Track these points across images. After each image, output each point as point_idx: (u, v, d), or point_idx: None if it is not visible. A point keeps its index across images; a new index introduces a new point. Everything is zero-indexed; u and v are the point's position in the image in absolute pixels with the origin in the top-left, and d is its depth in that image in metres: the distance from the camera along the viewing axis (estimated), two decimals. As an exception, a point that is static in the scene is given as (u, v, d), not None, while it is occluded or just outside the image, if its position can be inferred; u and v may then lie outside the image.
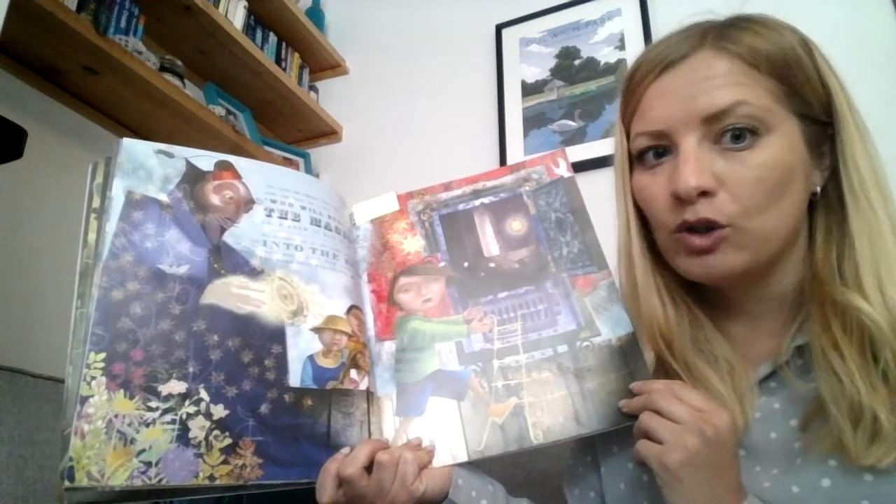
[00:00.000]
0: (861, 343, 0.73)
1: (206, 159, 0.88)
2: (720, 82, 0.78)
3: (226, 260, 0.83)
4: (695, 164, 0.77)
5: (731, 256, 0.78)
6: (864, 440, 0.70)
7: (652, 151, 0.83)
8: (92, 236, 0.79)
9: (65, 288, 0.77)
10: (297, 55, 2.75)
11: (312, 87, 2.83)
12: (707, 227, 0.78)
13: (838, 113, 0.79)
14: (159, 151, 0.85)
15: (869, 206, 0.76)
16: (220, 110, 2.29)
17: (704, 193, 0.77)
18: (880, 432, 0.69)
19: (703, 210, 0.77)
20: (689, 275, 0.83)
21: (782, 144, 0.77)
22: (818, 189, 0.81)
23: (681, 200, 0.78)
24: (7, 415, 1.21)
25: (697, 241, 0.79)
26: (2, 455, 1.16)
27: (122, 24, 1.97)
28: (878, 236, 0.76)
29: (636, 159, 0.87)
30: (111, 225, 0.78)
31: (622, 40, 2.31)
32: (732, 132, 0.76)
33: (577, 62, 2.37)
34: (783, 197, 0.77)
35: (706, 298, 0.88)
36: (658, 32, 2.19)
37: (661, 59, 0.83)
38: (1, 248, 1.76)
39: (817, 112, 0.79)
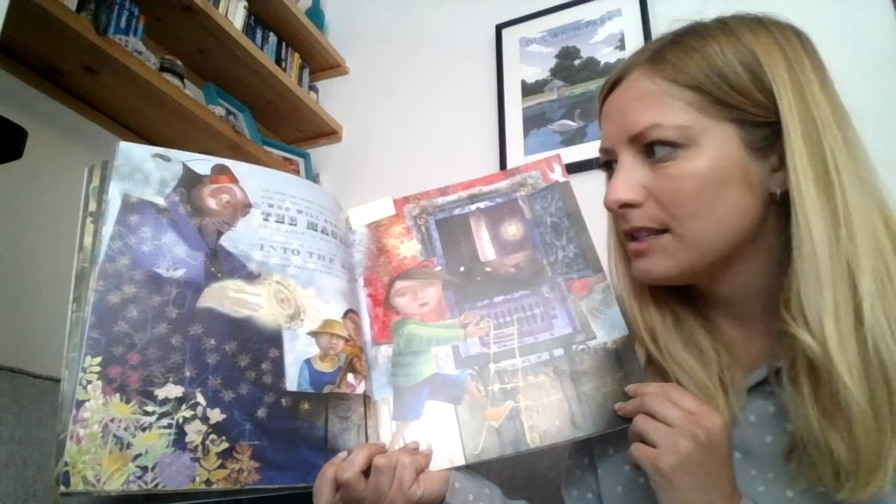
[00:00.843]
0: (814, 372, 0.72)
1: (202, 163, 0.88)
2: (641, 104, 0.81)
3: (223, 264, 0.83)
4: (620, 179, 0.82)
5: (661, 261, 0.82)
6: (840, 475, 0.70)
7: (610, 165, 0.88)
8: (88, 240, 0.78)
9: (65, 288, 0.77)
10: (297, 55, 2.76)
11: (312, 87, 2.83)
12: (646, 234, 0.82)
13: (782, 115, 0.77)
14: (156, 155, 0.85)
15: (804, 213, 0.73)
16: (220, 110, 2.29)
17: (631, 206, 0.81)
18: (844, 468, 0.69)
19: (634, 220, 0.82)
20: (636, 276, 0.87)
21: (708, 155, 0.77)
22: (777, 192, 0.78)
23: (614, 212, 0.84)
24: (7, 415, 1.21)
25: (633, 245, 0.84)
26: (2, 455, 1.16)
27: (122, 24, 1.97)
28: (822, 244, 0.73)
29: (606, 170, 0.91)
30: (107, 228, 0.78)
31: (622, 40, 2.32)
32: (657, 147, 0.79)
33: (577, 62, 2.38)
34: (716, 203, 0.78)
35: (691, 297, 0.90)
36: (658, 32, 2.17)
37: (610, 79, 0.88)
38: (1, 248, 1.76)
39: (760, 115, 0.78)
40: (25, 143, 1.24)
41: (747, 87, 0.77)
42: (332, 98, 2.84)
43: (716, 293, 0.87)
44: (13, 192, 1.80)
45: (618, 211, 0.83)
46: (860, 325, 0.70)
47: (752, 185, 0.78)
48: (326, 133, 2.79)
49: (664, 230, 0.80)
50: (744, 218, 0.79)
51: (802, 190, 0.74)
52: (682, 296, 0.89)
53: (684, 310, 0.89)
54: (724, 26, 0.82)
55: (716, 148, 0.77)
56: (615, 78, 0.86)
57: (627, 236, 0.85)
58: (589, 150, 2.18)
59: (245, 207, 0.88)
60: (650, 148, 0.79)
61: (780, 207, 0.79)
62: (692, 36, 0.82)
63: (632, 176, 0.81)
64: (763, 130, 0.78)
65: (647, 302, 0.89)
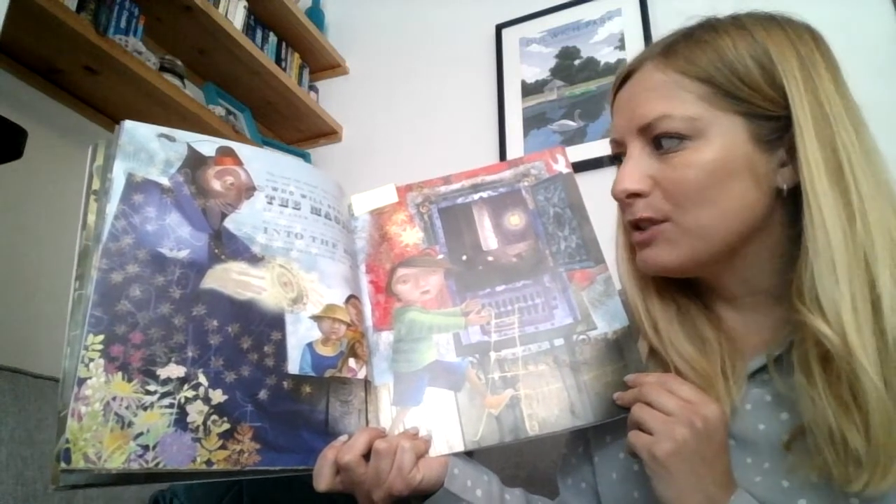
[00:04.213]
0: (830, 362, 0.71)
1: (208, 144, 0.88)
2: (651, 95, 0.82)
3: (226, 245, 0.83)
4: (628, 169, 0.83)
5: (664, 251, 0.82)
6: (850, 467, 0.69)
7: (619, 157, 0.88)
8: (91, 218, 0.78)
9: (65, 287, 0.77)
10: (297, 55, 2.76)
11: (312, 87, 2.84)
12: (648, 224, 0.83)
13: (792, 109, 0.77)
14: (161, 135, 0.85)
15: (818, 207, 0.74)
16: (220, 110, 2.30)
17: (638, 195, 0.82)
18: (859, 459, 0.69)
19: (638, 210, 0.83)
20: (641, 268, 0.87)
21: (715, 146, 0.78)
22: (784, 186, 0.79)
23: (621, 202, 0.85)
24: (7, 415, 1.20)
25: (637, 236, 0.85)
26: (2, 455, 1.16)
27: (122, 24, 1.98)
28: (834, 236, 0.73)
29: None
30: (111, 207, 0.78)
31: (622, 40, 2.32)
32: (664, 139, 0.80)
33: (577, 62, 2.38)
34: (719, 195, 0.78)
35: (696, 289, 0.90)
36: (658, 32, 2.20)
37: (622, 71, 0.89)
38: (1, 248, 1.76)
39: (769, 109, 0.78)
40: (25, 143, 1.24)
41: (757, 81, 0.78)
42: (332, 98, 2.85)
43: (720, 285, 0.87)
44: (13, 191, 1.80)
45: (625, 200, 0.83)
46: (879, 318, 0.70)
47: (758, 179, 0.79)
48: (326, 133, 2.79)
49: (663, 220, 0.81)
50: (748, 210, 0.79)
51: (815, 183, 0.74)
52: (686, 287, 0.90)
53: (688, 301, 0.89)
54: (738, 22, 0.82)
55: (723, 140, 0.78)
56: (628, 70, 0.87)
57: (632, 227, 0.85)
58: (589, 150, 2.19)
59: (249, 190, 0.88)
60: (658, 139, 0.80)
61: (787, 202, 0.80)
62: (705, 30, 0.83)
63: (639, 166, 0.82)
64: (771, 124, 0.78)
65: (651, 293, 0.89)
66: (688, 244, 0.81)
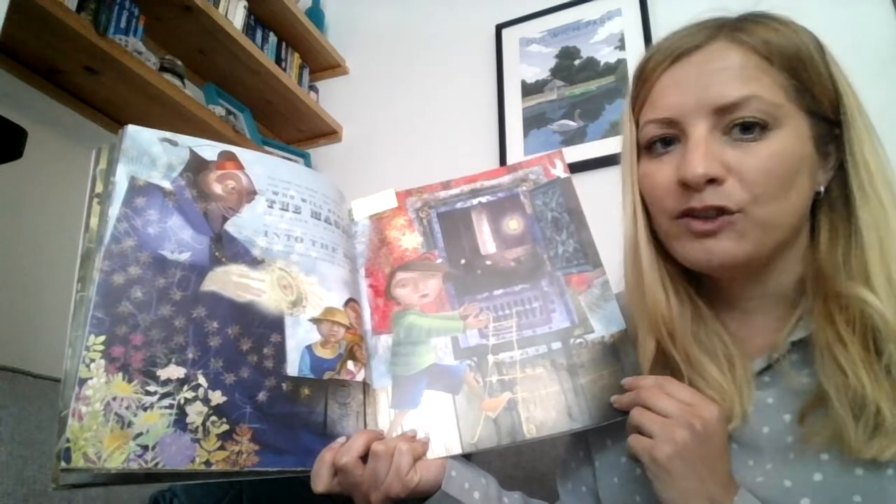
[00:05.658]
0: (864, 336, 0.72)
1: (209, 149, 0.89)
2: (733, 74, 0.78)
3: (227, 248, 0.83)
4: (704, 151, 0.77)
5: (732, 244, 0.78)
6: (866, 433, 0.70)
7: (660, 140, 0.83)
8: (94, 221, 0.79)
9: (65, 288, 0.77)
10: (297, 55, 2.76)
11: (312, 87, 2.84)
12: (714, 213, 0.78)
13: (848, 111, 0.78)
14: (164, 139, 0.86)
15: (878, 202, 0.76)
16: (220, 110, 2.30)
17: (712, 181, 0.77)
18: (882, 425, 0.69)
19: (709, 198, 0.77)
20: (688, 260, 0.82)
21: (791, 139, 0.77)
22: (822, 188, 0.81)
23: (688, 187, 0.78)
24: (7, 415, 1.21)
25: (700, 225, 0.78)
26: (2, 455, 1.16)
27: (122, 24, 1.97)
28: (886, 230, 0.75)
29: (644, 149, 0.86)
30: (114, 210, 0.78)
31: (622, 40, 2.32)
32: (742, 124, 0.77)
33: (577, 62, 2.38)
34: (791, 189, 0.77)
35: (705, 292, 0.89)
36: (658, 32, 2.20)
37: (675, 48, 0.83)
38: (1, 248, 1.76)
39: (826, 111, 0.79)
40: (25, 143, 1.25)
41: (825, 82, 0.79)
42: (332, 98, 2.84)
43: (733, 287, 0.87)
44: (13, 191, 1.79)
45: (701, 185, 0.77)
46: None
47: (812, 177, 0.80)
48: (326, 133, 2.79)
49: (736, 210, 0.77)
50: (803, 208, 0.80)
51: (877, 184, 0.77)
52: (700, 291, 0.88)
53: (702, 305, 0.87)
54: (785, 19, 0.82)
55: (795, 134, 0.78)
56: (687, 47, 0.82)
57: (685, 214, 0.80)
58: (589, 150, 2.19)
59: (250, 194, 0.88)
60: (738, 123, 0.77)
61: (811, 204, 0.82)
62: (770, 20, 0.82)
63: (713, 150, 0.78)
64: (825, 125, 0.80)
65: (670, 293, 0.86)
66: (755, 238, 0.78)
